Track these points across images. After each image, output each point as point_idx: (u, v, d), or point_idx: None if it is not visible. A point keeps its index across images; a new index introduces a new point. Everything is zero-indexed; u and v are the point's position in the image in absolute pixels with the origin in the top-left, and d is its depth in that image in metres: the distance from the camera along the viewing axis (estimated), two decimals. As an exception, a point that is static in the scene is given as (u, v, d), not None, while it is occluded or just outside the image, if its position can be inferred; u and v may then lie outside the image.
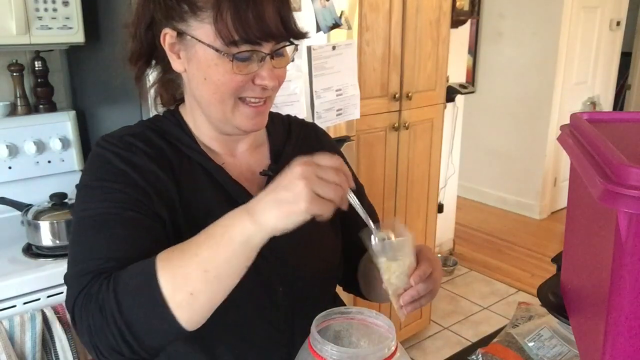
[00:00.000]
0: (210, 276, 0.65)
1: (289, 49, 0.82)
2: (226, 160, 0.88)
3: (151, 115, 0.93)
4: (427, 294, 0.77)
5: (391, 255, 0.75)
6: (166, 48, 0.80)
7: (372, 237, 0.76)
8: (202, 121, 0.86)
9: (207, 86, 0.79)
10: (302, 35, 0.82)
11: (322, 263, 0.92)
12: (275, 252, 0.83)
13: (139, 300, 0.65)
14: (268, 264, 0.82)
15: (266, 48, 0.77)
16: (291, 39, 0.80)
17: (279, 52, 0.80)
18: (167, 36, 0.79)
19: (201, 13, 0.75)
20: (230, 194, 0.84)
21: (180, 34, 0.78)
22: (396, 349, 0.68)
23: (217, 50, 0.75)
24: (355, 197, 0.72)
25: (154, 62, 0.87)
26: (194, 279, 0.64)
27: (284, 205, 0.63)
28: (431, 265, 0.78)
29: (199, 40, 0.76)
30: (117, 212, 0.74)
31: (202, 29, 0.75)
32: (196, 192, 0.83)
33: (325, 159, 0.67)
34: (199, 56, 0.77)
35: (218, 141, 0.88)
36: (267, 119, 0.86)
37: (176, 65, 0.81)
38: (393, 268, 0.75)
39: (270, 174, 0.88)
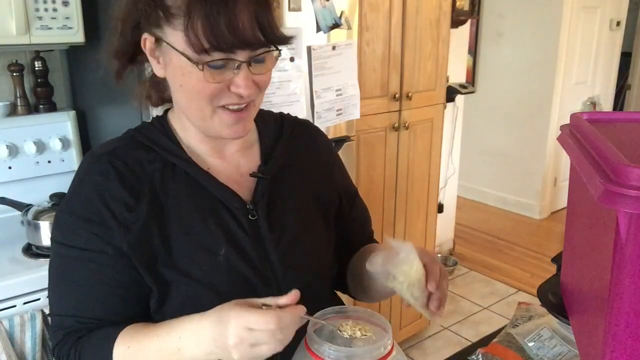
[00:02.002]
0: None
1: (272, 53, 0.79)
2: (214, 163, 0.87)
3: (152, 115, 0.92)
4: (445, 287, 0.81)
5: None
6: (147, 53, 0.80)
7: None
8: (190, 124, 0.85)
9: (184, 93, 0.78)
10: (284, 41, 0.78)
11: (315, 263, 0.91)
12: (265, 254, 0.83)
13: None
14: (258, 271, 0.82)
15: (241, 56, 0.74)
16: (272, 45, 0.77)
17: (259, 58, 0.77)
18: (147, 41, 0.79)
19: (174, 20, 0.73)
20: (217, 199, 0.83)
21: (158, 40, 0.77)
22: (392, 347, 0.68)
23: (189, 58, 0.73)
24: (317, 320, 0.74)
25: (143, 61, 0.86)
26: None
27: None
28: (435, 264, 0.80)
29: (173, 48, 0.75)
30: (91, 267, 0.80)
31: (175, 36, 0.74)
32: (180, 201, 0.82)
33: (257, 322, 0.68)
34: (174, 63, 0.76)
35: (206, 143, 0.86)
36: (251, 125, 0.84)
37: (157, 70, 0.81)
38: (408, 287, 0.77)
39: (260, 175, 0.87)
